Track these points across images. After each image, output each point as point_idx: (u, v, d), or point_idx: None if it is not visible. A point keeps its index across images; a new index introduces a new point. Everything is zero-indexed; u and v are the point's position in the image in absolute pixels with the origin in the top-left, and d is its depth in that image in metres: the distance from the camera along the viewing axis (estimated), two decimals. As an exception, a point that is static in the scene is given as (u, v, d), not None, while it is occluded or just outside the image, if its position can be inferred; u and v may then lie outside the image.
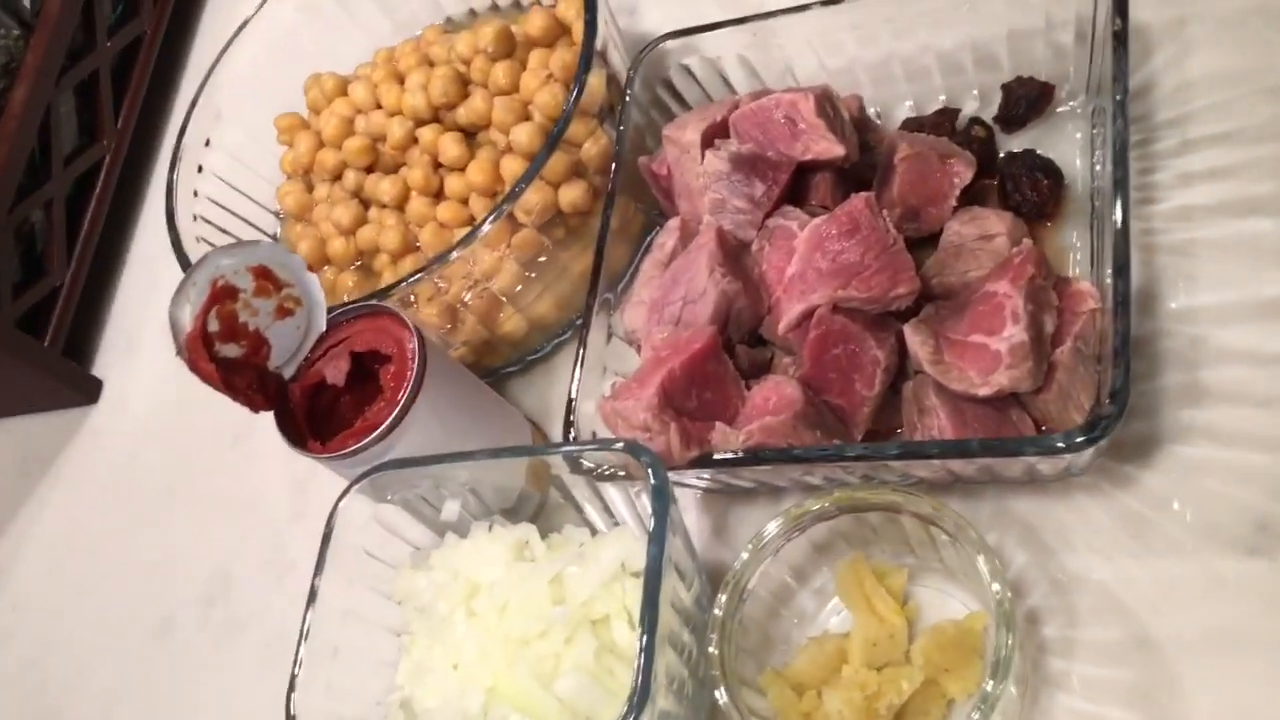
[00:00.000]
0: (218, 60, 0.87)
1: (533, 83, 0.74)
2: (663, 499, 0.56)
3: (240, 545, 0.84)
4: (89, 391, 0.97)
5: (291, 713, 0.59)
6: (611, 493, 0.65)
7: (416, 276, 0.67)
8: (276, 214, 0.89)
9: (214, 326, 0.65)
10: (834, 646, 0.58)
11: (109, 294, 1.03)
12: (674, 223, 0.69)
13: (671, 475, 0.58)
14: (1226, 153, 0.63)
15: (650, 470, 0.57)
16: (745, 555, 0.58)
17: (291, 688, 0.60)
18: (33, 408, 1.00)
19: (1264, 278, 0.60)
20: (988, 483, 0.61)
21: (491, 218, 0.67)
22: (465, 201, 0.77)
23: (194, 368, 0.64)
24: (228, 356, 0.65)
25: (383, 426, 0.63)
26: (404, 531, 0.67)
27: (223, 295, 0.65)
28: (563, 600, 0.60)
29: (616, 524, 0.65)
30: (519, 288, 0.72)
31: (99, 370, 0.99)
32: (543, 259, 0.72)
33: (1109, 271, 0.58)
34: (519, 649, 0.59)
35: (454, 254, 0.67)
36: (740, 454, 0.58)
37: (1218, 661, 0.54)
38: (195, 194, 0.84)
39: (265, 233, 0.87)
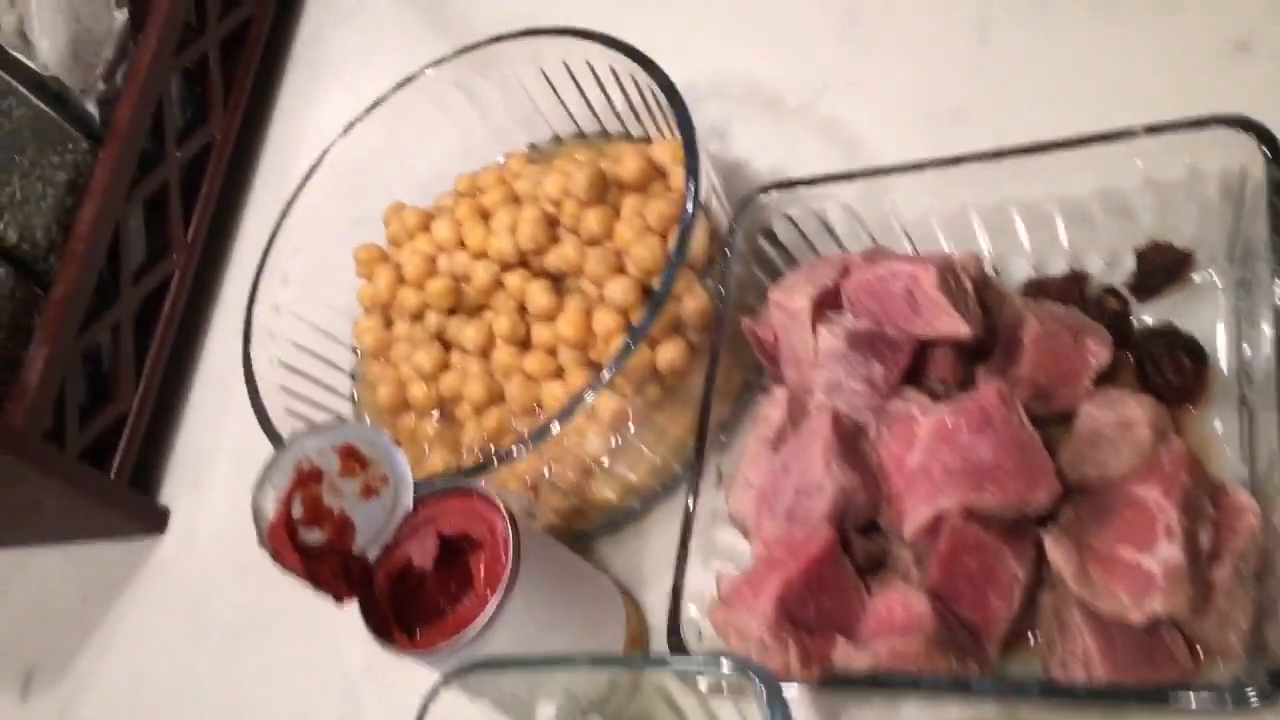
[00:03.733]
0: (297, 193, 0.84)
1: (627, 233, 0.70)
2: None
3: (313, 698, 0.80)
4: (156, 522, 0.94)
5: None
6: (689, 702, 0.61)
7: (513, 456, 0.64)
8: (353, 349, 0.85)
9: (298, 512, 0.61)
10: None
11: (176, 419, 1.00)
12: (780, 394, 0.64)
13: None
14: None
15: (766, 696, 0.52)
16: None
17: None
18: (96, 536, 0.97)
19: None
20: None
21: (592, 390, 0.63)
22: (553, 352, 0.73)
23: (278, 559, 0.60)
24: (311, 543, 0.62)
25: (474, 626, 0.59)
26: (493, 723, 0.63)
27: (308, 479, 0.61)
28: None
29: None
30: (608, 456, 0.68)
31: (166, 498, 0.96)
32: (630, 430, 0.68)
33: (1263, 465, 0.53)
34: None
35: (555, 426, 0.63)
36: (866, 675, 0.54)
37: None
38: (271, 334, 0.81)
39: (341, 369, 0.84)
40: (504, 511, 0.62)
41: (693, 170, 0.67)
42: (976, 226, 0.66)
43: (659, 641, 0.70)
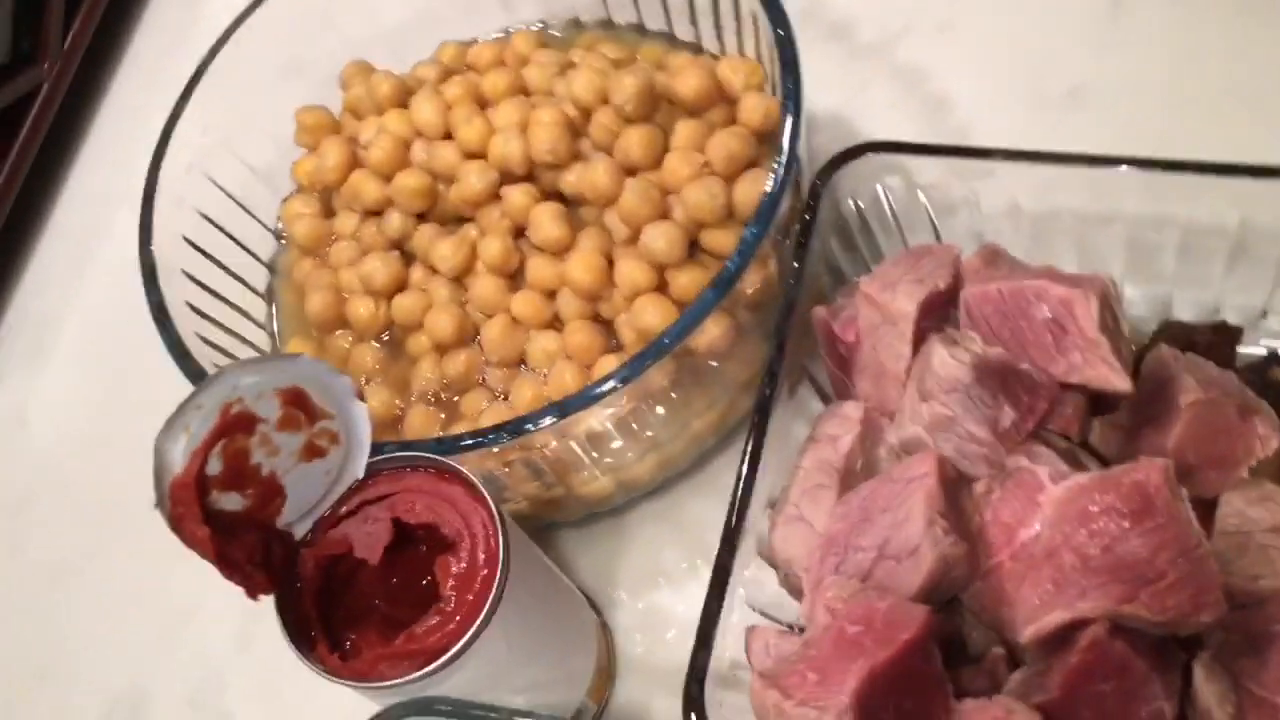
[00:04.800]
0: (240, 21, 0.65)
1: (682, 169, 0.55)
2: None
3: (163, 666, 0.64)
4: (-25, 394, 0.75)
5: None
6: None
7: (518, 433, 0.48)
8: (277, 235, 0.67)
9: (214, 469, 0.45)
10: None
11: (18, 269, 0.80)
12: (853, 411, 0.51)
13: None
14: None
15: (837, 830, 0.40)
16: None
17: None
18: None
19: None
20: None
21: (623, 374, 0.48)
22: (551, 295, 0.58)
23: (177, 527, 0.44)
24: (224, 509, 0.45)
25: (441, 661, 0.44)
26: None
27: (235, 426, 0.45)
28: None
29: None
30: (618, 445, 0.54)
31: (-6, 367, 0.77)
32: (648, 419, 0.54)
33: None
34: None
35: (548, 419, 0.48)
36: (955, 814, 0.41)
37: None
38: (179, 201, 0.62)
39: (258, 258, 0.66)
40: (493, 509, 0.47)
41: (793, 106, 0.52)
42: (1113, 244, 0.54)
43: (629, 672, 0.57)
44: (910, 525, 0.46)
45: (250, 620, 0.63)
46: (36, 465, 0.73)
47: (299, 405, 0.46)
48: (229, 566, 0.45)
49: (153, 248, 0.58)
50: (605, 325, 0.57)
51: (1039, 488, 0.46)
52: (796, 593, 0.50)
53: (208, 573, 0.62)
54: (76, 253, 0.79)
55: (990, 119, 0.64)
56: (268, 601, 0.59)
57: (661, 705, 0.56)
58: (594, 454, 0.53)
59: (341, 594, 0.48)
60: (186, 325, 0.58)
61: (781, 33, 0.54)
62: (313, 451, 0.47)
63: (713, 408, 0.56)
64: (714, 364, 0.54)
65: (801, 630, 0.49)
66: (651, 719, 0.55)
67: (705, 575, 0.56)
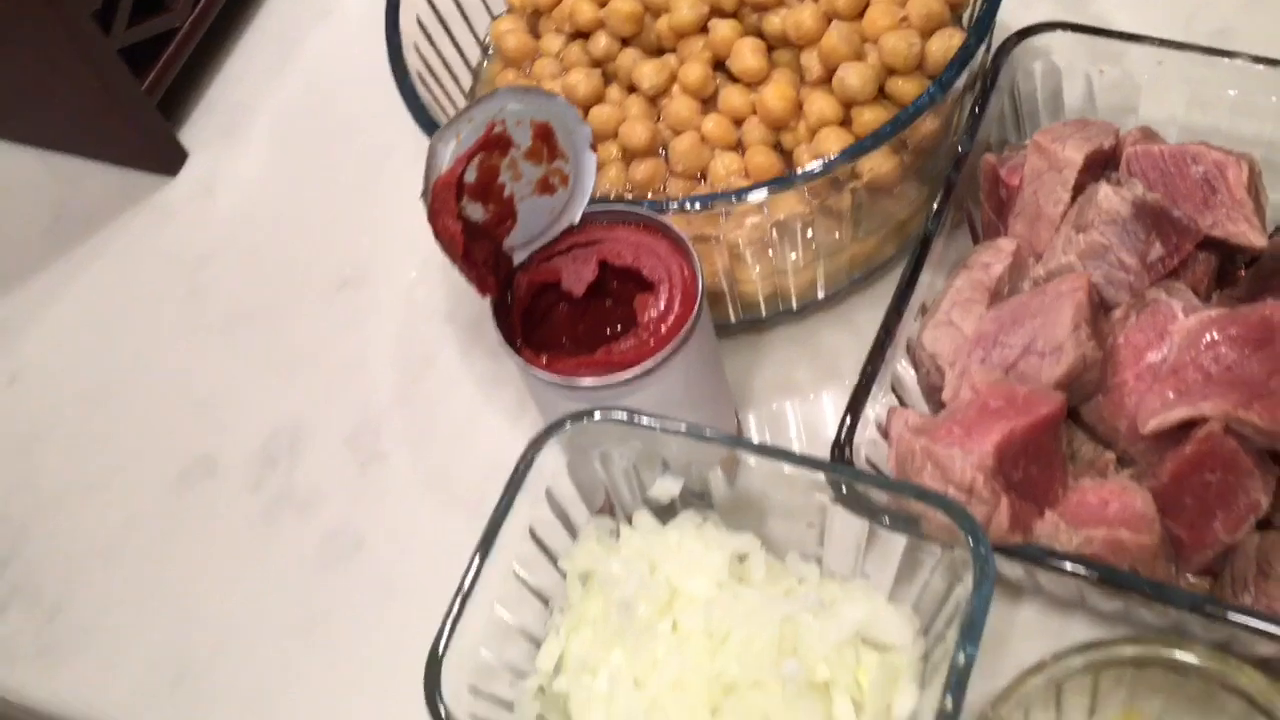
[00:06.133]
0: None
1: (882, 19, 0.62)
2: (986, 587, 0.45)
3: (322, 409, 0.70)
4: (169, 161, 0.82)
5: (439, 688, 0.47)
6: (845, 532, 0.54)
7: (723, 201, 0.55)
8: (485, 47, 0.74)
9: (470, 177, 0.51)
10: (1087, 808, 0.49)
11: (223, 57, 0.87)
12: (1007, 244, 0.58)
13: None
14: None
15: (974, 547, 0.46)
16: (1032, 681, 0.48)
17: (443, 648, 0.48)
18: (94, 154, 0.83)
19: None
20: None
21: (816, 168, 0.55)
22: (738, 122, 0.65)
23: (435, 219, 0.50)
24: (469, 217, 0.52)
25: (637, 370, 0.51)
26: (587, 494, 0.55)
27: (494, 144, 0.51)
28: (792, 651, 0.49)
29: (856, 574, 0.54)
30: (782, 249, 0.60)
31: (187, 142, 0.83)
32: (813, 230, 0.60)
33: None
34: (727, 695, 0.48)
35: (754, 195, 0.55)
36: (1070, 557, 0.48)
37: None
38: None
39: (468, 65, 0.73)
40: (695, 261, 0.53)
41: (991, -19, 0.59)
42: (1255, 148, 0.60)
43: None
44: (1058, 327, 0.52)
45: (407, 381, 0.70)
46: (219, 231, 0.79)
47: (545, 140, 0.53)
48: (469, 263, 0.51)
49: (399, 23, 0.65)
50: (785, 155, 0.64)
51: (1172, 318, 0.53)
52: (935, 390, 0.56)
53: (369, 334, 0.70)
54: (276, 54, 0.86)
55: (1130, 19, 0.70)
56: (427, 366, 0.67)
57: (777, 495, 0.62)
58: (766, 249, 0.60)
59: (544, 320, 0.55)
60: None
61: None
62: (545, 187, 0.54)
63: (871, 235, 0.62)
64: (877, 196, 0.61)
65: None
66: (768, 502, 0.61)
67: (832, 394, 0.64)
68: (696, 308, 0.52)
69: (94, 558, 0.68)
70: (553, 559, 0.54)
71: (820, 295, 0.65)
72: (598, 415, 0.51)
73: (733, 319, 0.65)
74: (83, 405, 0.74)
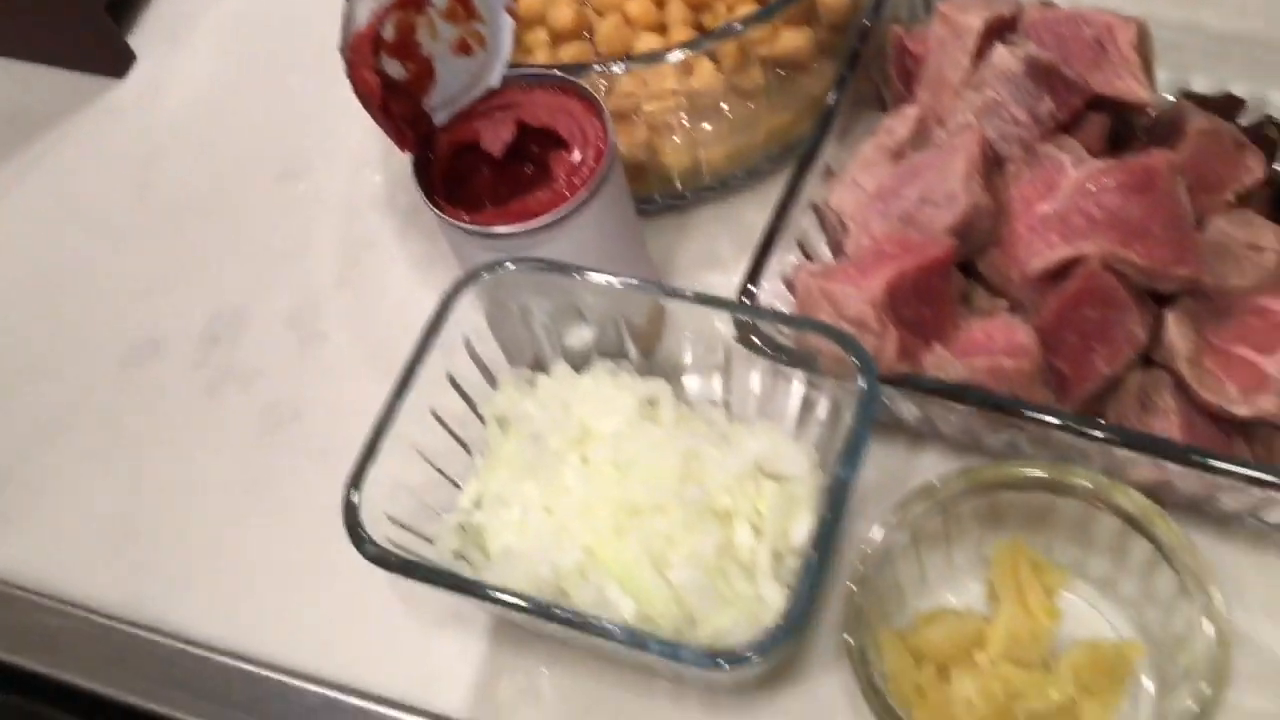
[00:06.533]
0: None
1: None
2: (870, 409, 0.48)
3: (264, 293, 0.73)
4: (117, 62, 0.84)
5: (357, 513, 0.50)
6: (748, 376, 0.56)
7: (630, 64, 0.57)
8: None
9: (388, 34, 0.53)
10: (973, 628, 0.52)
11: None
12: (912, 110, 0.60)
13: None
14: None
15: (861, 373, 0.49)
16: (911, 508, 0.51)
17: (360, 475, 0.51)
18: (45, 59, 0.85)
19: None
20: (1180, 510, 0.54)
21: (715, 36, 0.57)
22: (661, 4, 0.67)
23: (354, 74, 0.53)
24: (388, 74, 0.54)
25: (550, 217, 0.53)
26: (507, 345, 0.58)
27: (411, 2, 0.53)
28: (696, 480, 0.52)
29: (761, 416, 0.57)
30: (702, 122, 0.63)
31: (136, 43, 0.85)
32: (734, 104, 0.63)
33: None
34: (630, 517, 0.51)
35: (672, 56, 0.57)
36: (956, 386, 0.51)
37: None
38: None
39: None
40: (606, 119, 0.56)
41: None
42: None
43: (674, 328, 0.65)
44: (951, 178, 0.55)
45: (347, 265, 0.73)
46: (166, 130, 0.81)
47: (461, 1, 0.55)
48: (387, 116, 0.54)
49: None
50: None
51: (1061, 170, 0.55)
52: (841, 247, 0.59)
53: (311, 222, 0.73)
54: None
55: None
56: (366, 250, 0.69)
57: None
58: (684, 120, 0.62)
59: (467, 181, 0.57)
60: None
61: None
62: (463, 47, 0.56)
63: (787, 110, 0.65)
64: (793, 73, 0.63)
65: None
66: (680, 357, 0.63)
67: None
68: (607, 160, 0.54)
69: (42, 432, 0.70)
70: (475, 409, 0.57)
71: (738, 172, 0.67)
72: (510, 264, 0.54)
73: (656, 195, 0.67)
74: (33, 295, 0.76)
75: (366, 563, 0.50)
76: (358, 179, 0.76)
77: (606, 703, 0.56)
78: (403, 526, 0.53)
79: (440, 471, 0.56)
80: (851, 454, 0.47)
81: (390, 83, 0.54)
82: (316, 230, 0.74)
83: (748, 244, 0.67)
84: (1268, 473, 0.47)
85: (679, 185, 0.67)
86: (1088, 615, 0.53)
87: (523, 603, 0.47)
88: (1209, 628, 0.46)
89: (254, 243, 0.75)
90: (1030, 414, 0.49)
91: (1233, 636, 0.51)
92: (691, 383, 0.58)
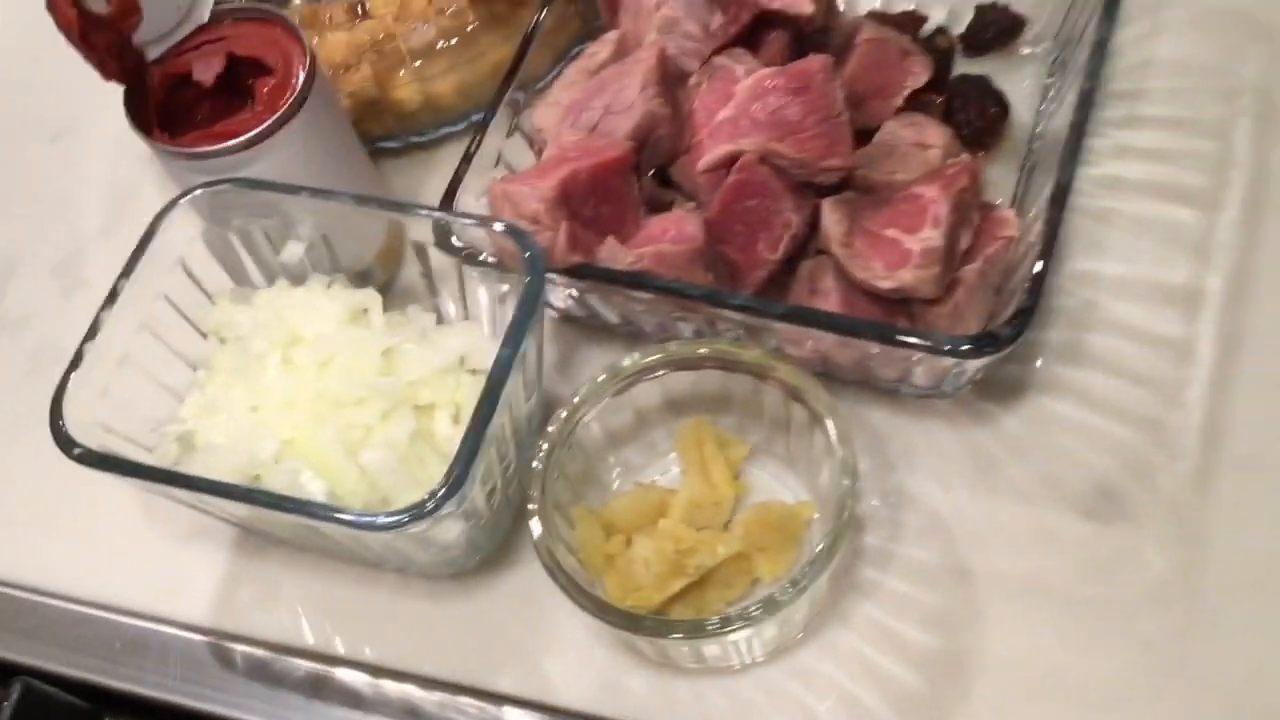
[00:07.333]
0: None
1: None
2: (534, 293, 0.52)
3: (31, 244, 0.75)
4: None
5: (60, 414, 0.52)
6: (477, 292, 0.60)
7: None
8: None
9: (87, -31, 0.56)
10: (657, 498, 0.56)
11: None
12: (612, 35, 0.64)
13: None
14: (1169, 138, 0.63)
15: (528, 260, 0.52)
16: (596, 381, 0.54)
17: (65, 382, 0.54)
18: None
19: (1169, 263, 0.60)
20: (851, 384, 0.59)
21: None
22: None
23: (53, 6, 0.56)
24: (91, 10, 0.57)
25: (247, 135, 0.57)
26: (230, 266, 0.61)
27: (107, -65, 0.57)
28: (392, 374, 0.55)
29: (468, 319, 0.60)
30: (426, 56, 0.66)
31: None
32: (456, 38, 0.66)
33: (1031, 214, 0.57)
34: (331, 409, 0.54)
35: (378, -14, 0.61)
36: (625, 274, 0.54)
37: (1023, 608, 0.53)
38: None
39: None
40: (306, 46, 0.59)
41: None
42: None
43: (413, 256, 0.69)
44: (629, 90, 0.59)
45: (111, 218, 0.75)
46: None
47: (162, -65, 0.58)
48: (89, 47, 0.56)
49: None
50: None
51: (734, 79, 0.60)
52: (541, 153, 0.62)
53: (79, 177, 0.75)
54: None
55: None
56: (130, 201, 0.72)
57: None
58: (405, 55, 0.66)
59: (185, 115, 0.60)
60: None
61: None
62: (169, -17, 0.59)
63: (508, 43, 0.68)
64: (513, 8, 0.67)
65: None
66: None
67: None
68: (304, 80, 0.58)
69: None
70: (198, 327, 0.60)
71: (473, 109, 0.71)
72: (217, 186, 0.57)
73: (398, 133, 0.71)
74: None
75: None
76: (125, 136, 0.78)
77: (340, 600, 0.59)
78: (127, 439, 0.56)
79: (168, 389, 0.58)
80: (515, 334, 0.51)
81: (91, 17, 0.57)
82: (84, 185, 0.77)
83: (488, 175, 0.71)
84: (876, 330, 0.51)
85: (418, 122, 0.71)
86: (771, 485, 0.58)
87: (208, 485, 0.50)
88: (845, 481, 0.50)
89: (23, 198, 0.78)
90: (675, 289, 0.53)
91: (905, 500, 0.56)
92: (409, 294, 0.61)
